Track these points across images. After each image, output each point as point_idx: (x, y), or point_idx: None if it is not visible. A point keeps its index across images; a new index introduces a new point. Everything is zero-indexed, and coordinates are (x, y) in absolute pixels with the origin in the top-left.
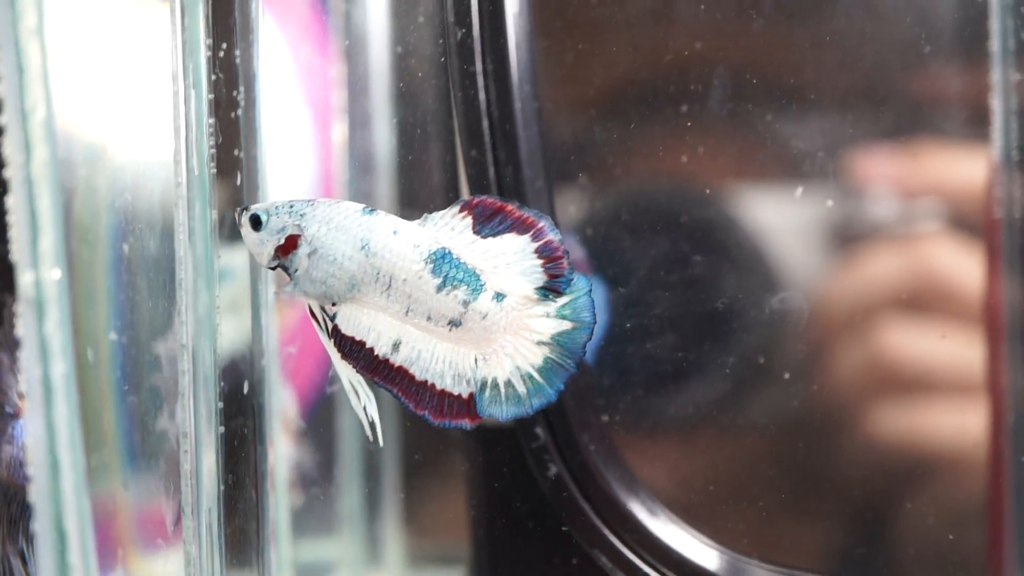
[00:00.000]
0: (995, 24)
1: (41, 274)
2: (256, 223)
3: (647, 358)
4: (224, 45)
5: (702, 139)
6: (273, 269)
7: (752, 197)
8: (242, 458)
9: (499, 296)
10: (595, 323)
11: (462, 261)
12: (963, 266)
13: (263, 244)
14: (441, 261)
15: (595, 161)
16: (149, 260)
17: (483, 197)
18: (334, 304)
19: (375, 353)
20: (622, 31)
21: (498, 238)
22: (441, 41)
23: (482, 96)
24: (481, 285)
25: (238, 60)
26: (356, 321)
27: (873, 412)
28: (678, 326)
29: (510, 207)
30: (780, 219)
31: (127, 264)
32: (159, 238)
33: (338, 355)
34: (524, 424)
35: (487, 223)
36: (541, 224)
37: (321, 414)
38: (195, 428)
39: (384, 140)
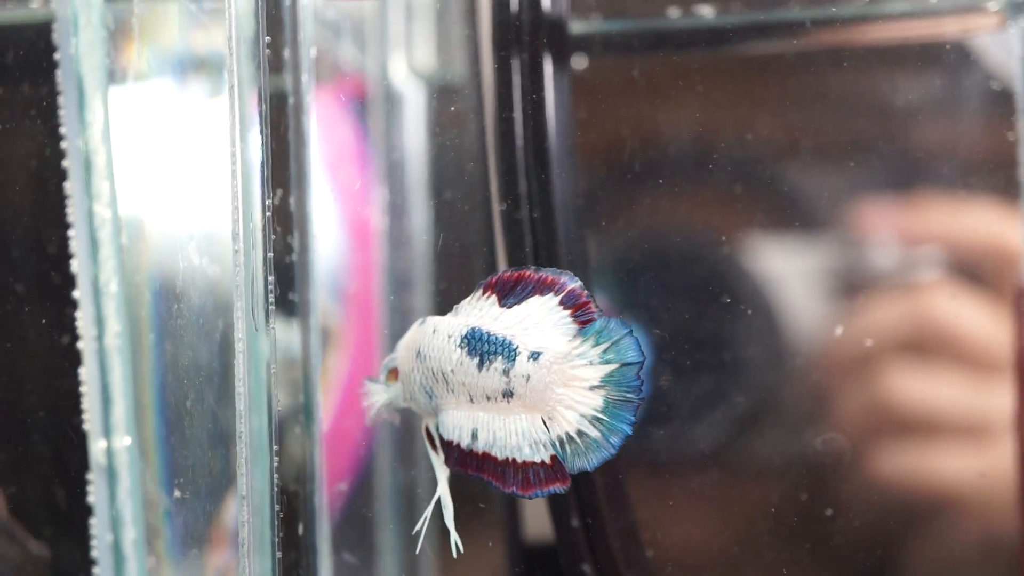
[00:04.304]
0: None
1: (113, 443)
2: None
3: (690, 493)
4: (279, 192)
5: (715, 194)
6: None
7: (760, 248)
8: None
9: (535, 355)
10: (644, 358)
11: (492, 334)
12: (965, 313)
13: (385, 392)
14: (473, 340)
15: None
16: (208, 412)
17: (500, 272)
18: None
19: (462, 448)
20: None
21: (524, 304)
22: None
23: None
24: (514, 350)
25: (292, 207)
26: (444, 425)
27: (878, 456)
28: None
29: (528, 272)
30: (787, 268)
31: (188, 420)
32: (216, 391)
33: (440, 464)
34: (570, 561)
35: (510, 294)
36: (562, 279)
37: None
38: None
39: (422, 260)
